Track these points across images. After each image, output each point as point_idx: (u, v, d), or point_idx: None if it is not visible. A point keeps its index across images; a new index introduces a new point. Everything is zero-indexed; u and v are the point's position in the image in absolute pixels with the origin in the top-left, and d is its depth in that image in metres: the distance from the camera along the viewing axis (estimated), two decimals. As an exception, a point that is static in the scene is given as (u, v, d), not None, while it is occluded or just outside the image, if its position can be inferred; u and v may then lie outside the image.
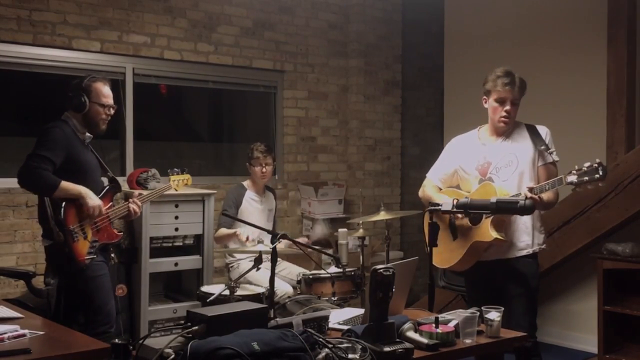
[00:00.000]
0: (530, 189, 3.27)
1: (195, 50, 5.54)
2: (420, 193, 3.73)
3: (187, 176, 4.35)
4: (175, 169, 4.32)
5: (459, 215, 3.42)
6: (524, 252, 3.45)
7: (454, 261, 3.51)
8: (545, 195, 3.31)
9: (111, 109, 3.71)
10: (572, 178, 3.21)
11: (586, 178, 3.18)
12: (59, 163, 3.47)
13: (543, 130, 3.49)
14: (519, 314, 3.39)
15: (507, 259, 3.45)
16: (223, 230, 4.77)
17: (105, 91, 3.69)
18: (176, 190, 4.31)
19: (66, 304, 3.62)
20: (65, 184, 3.44)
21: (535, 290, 3.51)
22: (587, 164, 3.19)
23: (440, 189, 3.65)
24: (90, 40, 5.03)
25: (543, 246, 3.53)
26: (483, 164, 3.52)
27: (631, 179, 4.68)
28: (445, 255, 3.53)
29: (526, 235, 3.45)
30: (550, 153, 3.41)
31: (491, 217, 3.32)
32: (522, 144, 3.47)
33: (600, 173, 3.15)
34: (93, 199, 3.53)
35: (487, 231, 3.33)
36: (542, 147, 3.42)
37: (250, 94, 6.18)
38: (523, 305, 3.43)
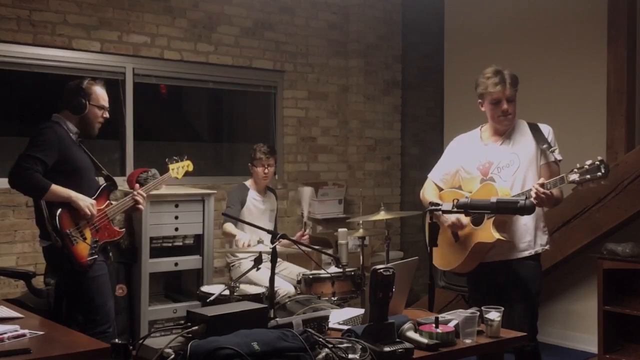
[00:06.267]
0: (542, 185, 3.21)
1: (195, 50, 5.54)
2: (420, 195, 3.71)
3: (187, 162, 4.19)
4: (174, 157, 4.18)
5: (461, 223, 3.42)
6: (526, 253, 3.43)
7: (457, 263, 3.49)
8: (555, 191, 3.27)
9: (106, 112, 3.72)
10: (574, 176, 3.17)
11: (588, 176, 3.14)
12: (50, 164, 3.44)
13: (545, 129, 3.45)
14: (519, 318, 3.37)
15: (509, 260, 3.42)
16: (228, 227, 4.74)
17: (104, 94, 3.71)
18: (177, 177, 4.17)
19: (66, 304, 3.62)
20: (55, 188, 3.41)
21: (537, 294, 3.48)
22: (588, 162, 3.16)
23: (442, 190, 3.62)
24: (90, 40, 5.03)
25: (547, 247, 3.48)
26: (484, 163, 3.49)
27: (631, 179, 4.68)
28: (448, 257, 3.52)
29: (528, 235, 3.43)
30: (553, 152, 3.37)
31: (493, 218, 3.30)
32: (524, 143, 3.44)
33: (603, 171, 3.12)
34: (83, 199, 3.50)
35: (490, 232, 3.30)
36: (544, 146, 3.38)
37: (250, 94, 6.18)
38: (524, 309, 3.41)
